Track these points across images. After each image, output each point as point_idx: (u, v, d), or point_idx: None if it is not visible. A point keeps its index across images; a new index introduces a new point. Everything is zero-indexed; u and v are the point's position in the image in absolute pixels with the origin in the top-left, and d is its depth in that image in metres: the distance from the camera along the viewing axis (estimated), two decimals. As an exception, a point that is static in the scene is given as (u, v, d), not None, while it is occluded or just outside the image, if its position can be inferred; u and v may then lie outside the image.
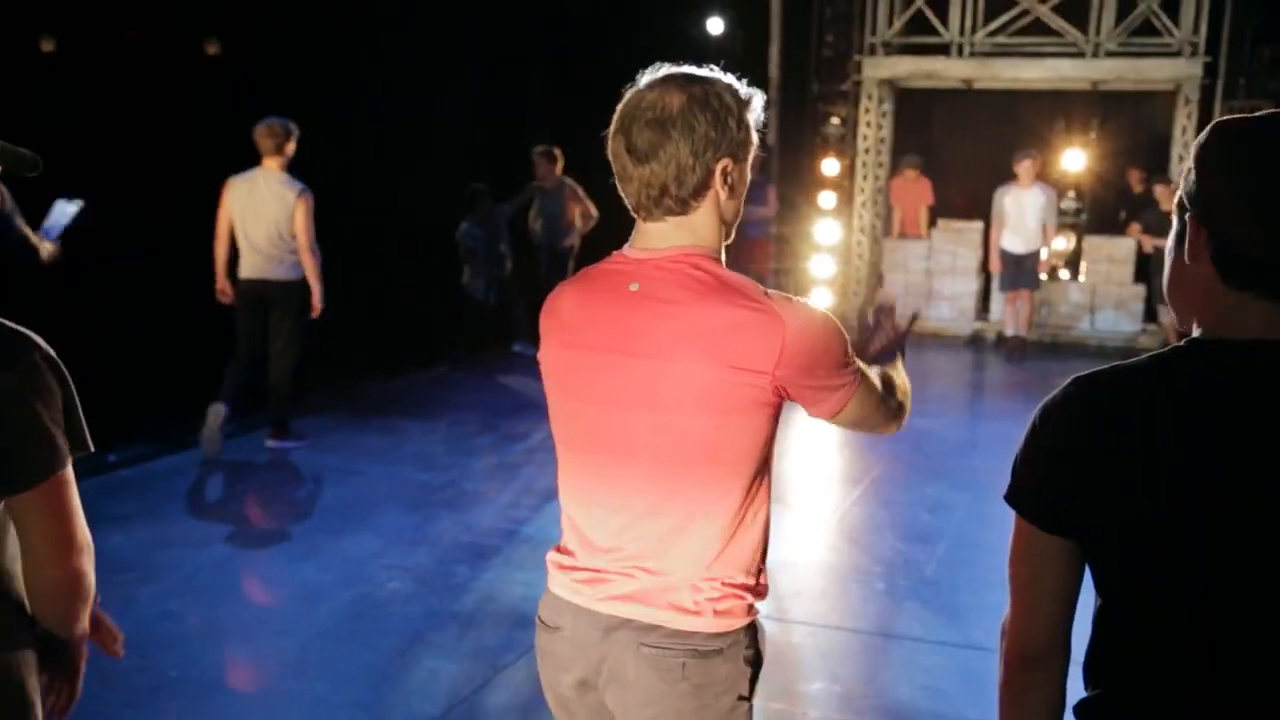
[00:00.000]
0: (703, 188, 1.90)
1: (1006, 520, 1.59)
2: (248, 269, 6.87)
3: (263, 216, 6.77)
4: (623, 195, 1.96)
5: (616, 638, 1.97)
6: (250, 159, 6.61)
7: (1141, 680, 1.50)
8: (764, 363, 1.85)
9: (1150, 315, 11.80)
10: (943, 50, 12.71)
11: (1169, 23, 11.96)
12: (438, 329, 10.11)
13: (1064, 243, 12.09)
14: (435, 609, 4.92)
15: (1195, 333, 1.51)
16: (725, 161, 1.90)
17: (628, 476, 1.96)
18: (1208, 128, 1.52)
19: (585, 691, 2.04)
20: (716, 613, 1.95)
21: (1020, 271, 11.08)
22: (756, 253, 11.82)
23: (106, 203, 6.98)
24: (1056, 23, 12.28)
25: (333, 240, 5.85)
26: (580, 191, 10.27)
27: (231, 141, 7.26)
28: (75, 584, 1.83)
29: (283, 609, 5.00)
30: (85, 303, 6.87)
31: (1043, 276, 11.83)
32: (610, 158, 1.96)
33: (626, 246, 2.01)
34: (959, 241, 12.57)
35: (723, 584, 1.95)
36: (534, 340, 2.18)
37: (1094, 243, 12.21)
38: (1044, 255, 11.45)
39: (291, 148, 6.79)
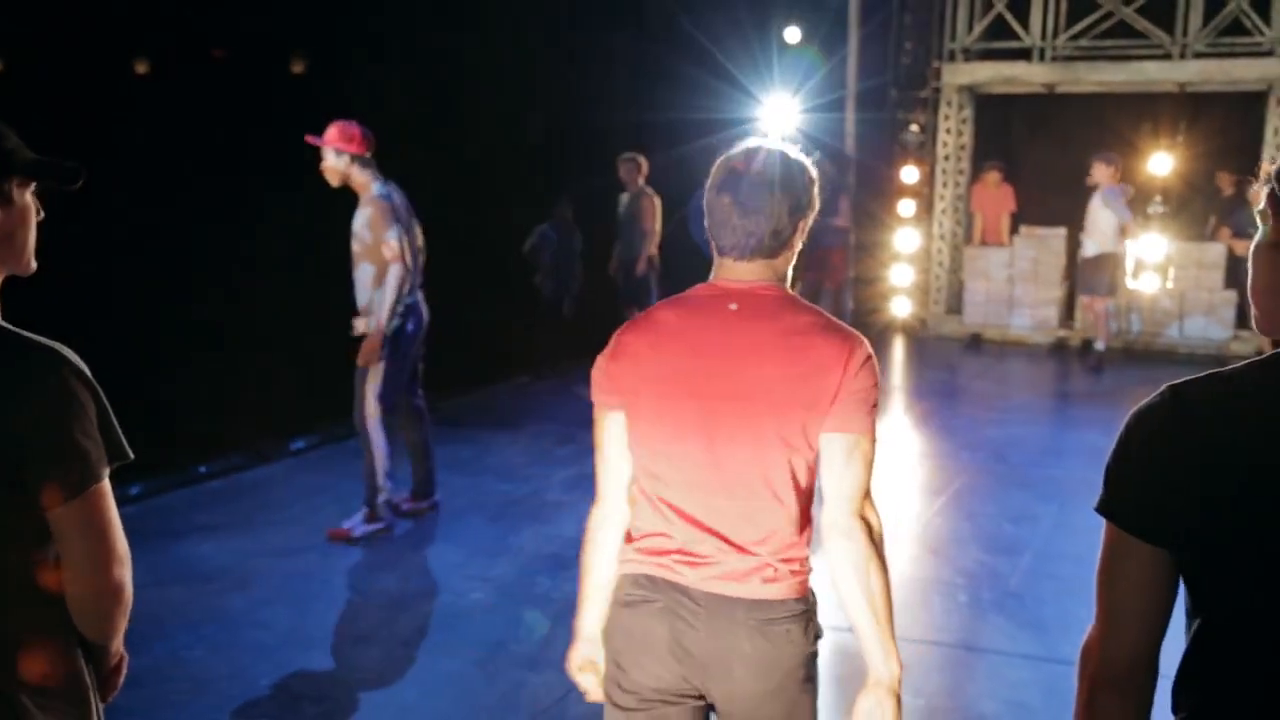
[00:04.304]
0: None
1: (1093, 530, 1.55)
2: None
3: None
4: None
5: None
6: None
7: (1239, 702, 1.45)
8: None
9: (1243, 321, 11.51)
10: (1024, 55, 12.54)
11: (1259, 22, 11.68)
12: (519, 340, 10.19)
13: (1163, 249, 11.79)
14: (518, 619, 4.96)
15: None
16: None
17: None
18: None
19: None
20: None
21: (1089, 275, 10.86)
22: (833, 260, 11.76)
23: (199, 221, 7.16)
24: (1141, 24, 12.06)
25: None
26: (657, 205, 10.28)
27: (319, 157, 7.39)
28: (116, 594, 1.85)
29: (367, 618, 5.07)
30: (178, 318, 7.04)
31: (1132, 284, 11.61)
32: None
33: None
34: (1042, 248, 12.37)
35: None
36: None
37: (1183, 248, 11.95)
38: (1129, 260, 11.23)
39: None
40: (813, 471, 2.27)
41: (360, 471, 5.95)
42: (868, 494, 2.26)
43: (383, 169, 5.89)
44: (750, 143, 2.29)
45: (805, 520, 2.29)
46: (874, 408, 2.23)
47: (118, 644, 1.97)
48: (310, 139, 5.72)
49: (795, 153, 2.29)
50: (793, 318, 2.23)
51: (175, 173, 7.01)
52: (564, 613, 5.04)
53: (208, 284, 7.00)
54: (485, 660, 4.55)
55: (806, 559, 2.30)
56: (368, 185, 5.76)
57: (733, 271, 2.27)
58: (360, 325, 5.84)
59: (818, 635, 2.30)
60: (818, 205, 2.32)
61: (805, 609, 2.27)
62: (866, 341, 2.25)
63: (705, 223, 2.30)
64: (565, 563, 5.59)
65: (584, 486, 6.96)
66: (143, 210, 6.56)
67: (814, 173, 2.30)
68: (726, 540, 2.25)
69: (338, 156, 5.71)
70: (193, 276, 6.93)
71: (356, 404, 5.86)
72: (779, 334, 2.21)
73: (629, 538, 2.36)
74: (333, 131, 5.71)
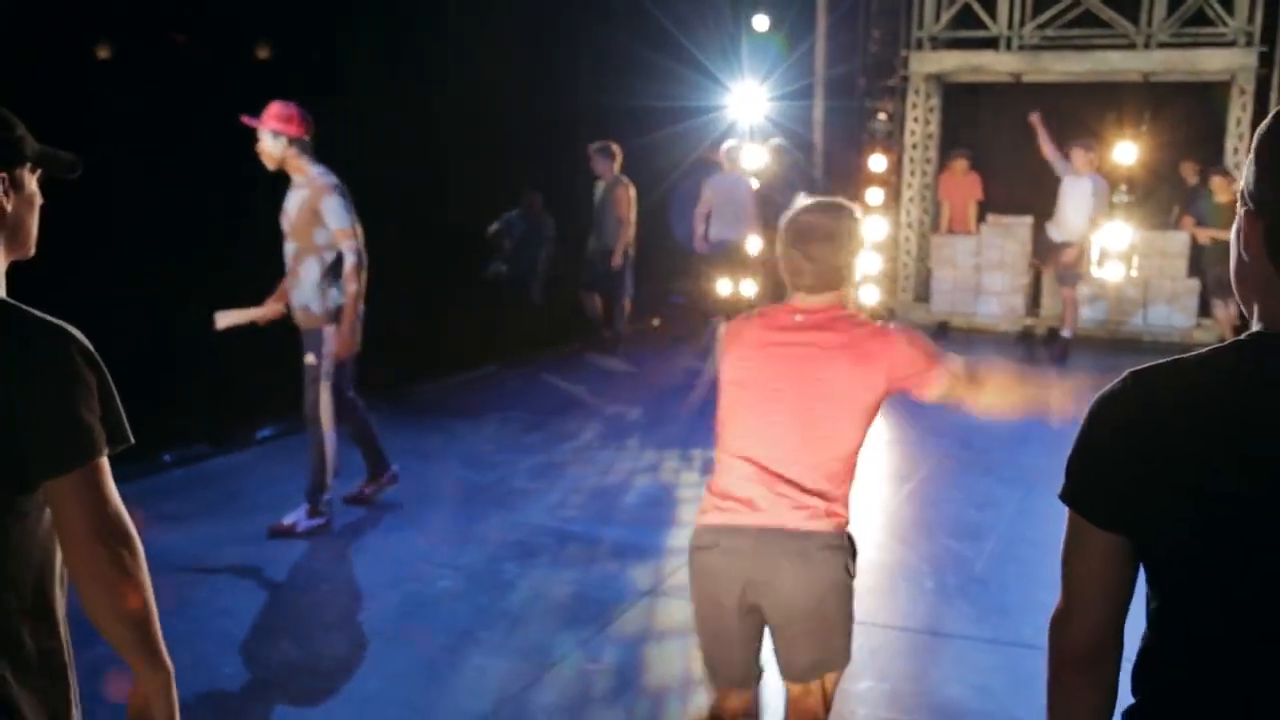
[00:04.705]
0: None
1: (1057, 516, 1.57)
2: None
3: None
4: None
5: None
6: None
7: (1197, 685, 1.46)
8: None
9: (1205, 309, 11.63)
10: (990, 44, 12.60)
11: (1222, 12, 11.77)
12: (486, 329, 10.16)
13: (1127, 237, 11.86)
14: (484, 607, 4.95)
15: (1255, 326, 1.46)
16: None
17: None
18: (1268, 118, 1.46)
19: None
20: None
21: (1057, 259, 10.90)
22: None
23: (164, 208, 7.09)
24: (1106, 14, 12.13)
25: (383, 239, 5.90)
26: (631, 194, 10.24)
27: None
28: (118, 569, 1.82)
29: (334, 607, 5.05)
30: (143, 305, 6.98)
31: (1097, 273, 11.68)
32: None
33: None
34: (1008, 236, 12.44)
35: None
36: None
37: (1147, 237, 12.04)
38: (1094, 249, 11.30)
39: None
40: (859, 441, 2.86)
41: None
42: (957, 381, 2.96)
43: (351, 156, 5.81)
44: (810, 201, 2.98)
45: (848, 476, 2.88)
46: (931, 354, 2.92)
47: (158, 659, 1.93)
48: (246, 120, 5.51)
49: (846, 204, 2.97)
50: (846, 327, 2.87)
51: (141, 162, 6.93)
52: (530, 600, 5.05)
53: (170, 270, 6.93)
54: (452, 648, 4.53)
55: (847, 506, 2.89)
56: (305, 169, 5.57)
57: (804, 300, 2.94)
58: (272, 310, 5.82)
59: (851, 570, 2.89)
60: (865, 241, 2.98)
61: (840, 543, 2.86)
62: (903, 327, 2.96)
63: (779, 266, 2.94)
64: (532, 550, 5.59)
65: (550, 475, 6.98)
66: (110, 200, 6.48)
67: (858, 213, 2.96)
68: (783, 492, 2.82)
69: (275, 139, 5.50)
70: (155, 262, 6.86)
71: (309, 402, 5.75)
72: (835, 338, 2.84)
73: (708, 491, 2.97)
74: (270, 113, 5.50)
